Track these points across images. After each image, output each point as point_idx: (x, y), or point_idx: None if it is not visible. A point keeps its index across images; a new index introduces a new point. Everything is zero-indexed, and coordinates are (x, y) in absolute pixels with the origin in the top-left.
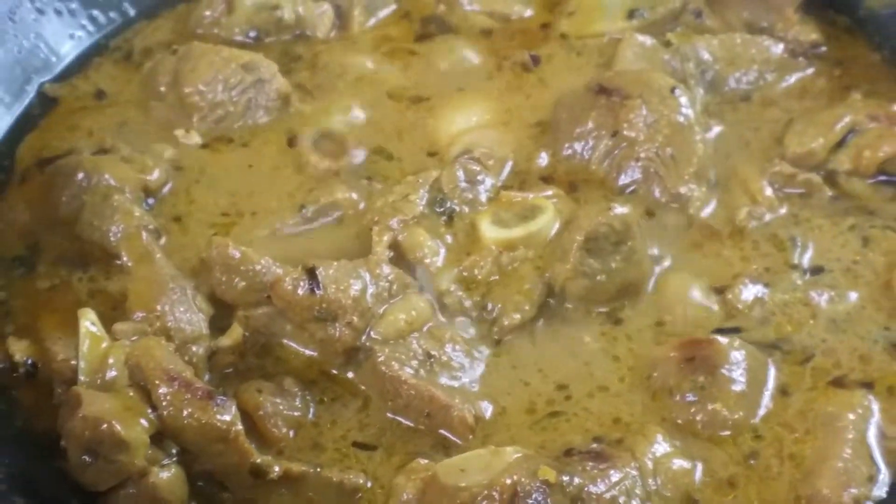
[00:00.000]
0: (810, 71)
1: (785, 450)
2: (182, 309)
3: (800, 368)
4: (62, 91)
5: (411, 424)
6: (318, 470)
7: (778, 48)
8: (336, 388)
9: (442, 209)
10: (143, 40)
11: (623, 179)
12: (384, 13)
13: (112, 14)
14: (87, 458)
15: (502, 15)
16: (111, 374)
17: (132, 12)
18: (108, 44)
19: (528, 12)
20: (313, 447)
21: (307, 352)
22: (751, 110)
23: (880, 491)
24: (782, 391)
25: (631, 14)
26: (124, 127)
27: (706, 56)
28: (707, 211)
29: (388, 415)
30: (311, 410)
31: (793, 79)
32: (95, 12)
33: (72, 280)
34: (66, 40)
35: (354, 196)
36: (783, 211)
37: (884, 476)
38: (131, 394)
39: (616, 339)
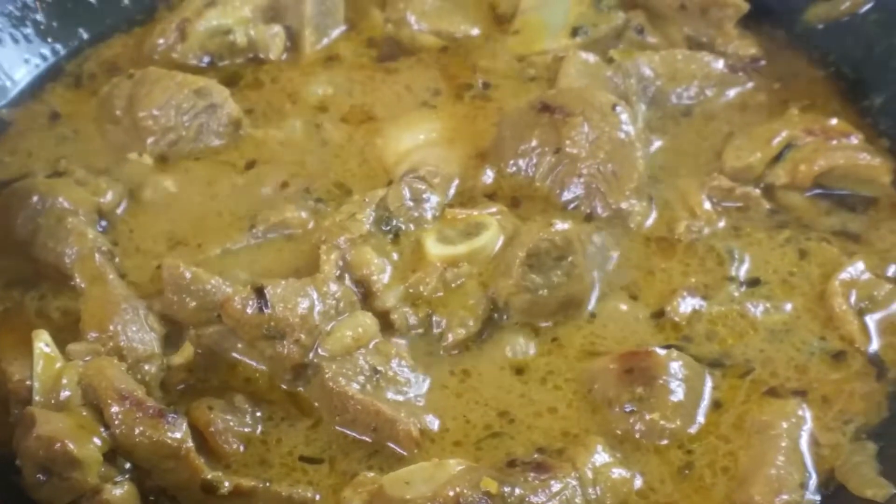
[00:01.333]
0: (750, 85)
1: (719, 462)
2: (134, 328)
3: (739, 381)
4: (17, 115)
5: (358, 437)
6: (268, 485)
7: (718, 63)
8: (289, 408)
9: (388, 227)
10: (93, 65)
11: (566, 195)
12: (335, 33)
13: (67, 39)
14: (41, 476)
15: (449, 34)
16: (65, 393)
17: (86, 37)
18: (62, 68)
19: (475, 31)
20: (261, 463)
21: (262, 368)
22: (692, 125)
23: (812, 497)
24: (717, 403)
25: (574, 32)
26: (79, 150)
27: (648, 72)
28: (647, 225)
29: (337, 428)
30: (259, 428)
31: (733, 93)
32: (50, 38)
33: (25, 301)
34: (22, 65)
35: (304, 215)
36: (722, 224)
37: (815, 482)
38: (84, 413)
39: (560, 358)
